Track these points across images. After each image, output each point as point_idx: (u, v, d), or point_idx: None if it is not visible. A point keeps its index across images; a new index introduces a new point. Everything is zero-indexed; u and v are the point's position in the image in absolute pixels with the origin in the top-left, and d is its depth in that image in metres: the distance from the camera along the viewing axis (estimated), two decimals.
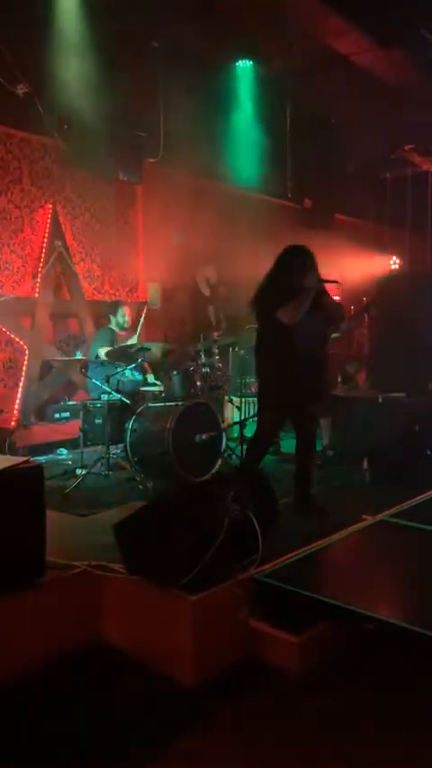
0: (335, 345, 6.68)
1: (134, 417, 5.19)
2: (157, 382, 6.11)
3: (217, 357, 6.24)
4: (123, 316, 6.29)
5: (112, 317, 6.33)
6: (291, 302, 4.17)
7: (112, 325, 6.31)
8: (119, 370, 5.47)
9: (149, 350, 5.67)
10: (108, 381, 5.35)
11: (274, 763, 2.33)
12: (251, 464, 4.56)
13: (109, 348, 5.86)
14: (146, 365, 6.11)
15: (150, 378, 6.21)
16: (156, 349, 5.88)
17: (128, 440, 5.13)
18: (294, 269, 4.24)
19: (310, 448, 4.52)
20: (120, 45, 6.73)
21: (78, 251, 7.28)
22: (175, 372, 5.47)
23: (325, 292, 4.46)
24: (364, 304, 6.79)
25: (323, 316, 4.40)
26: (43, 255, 6.82)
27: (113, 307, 6.43)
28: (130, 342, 6.08)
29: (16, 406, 6.56)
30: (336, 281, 4.48)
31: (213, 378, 6.01)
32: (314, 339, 4.35)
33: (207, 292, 9.02)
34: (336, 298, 9.51)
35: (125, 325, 6.33)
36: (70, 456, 6.18)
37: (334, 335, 6.28)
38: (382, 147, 10.67)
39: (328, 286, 4.45)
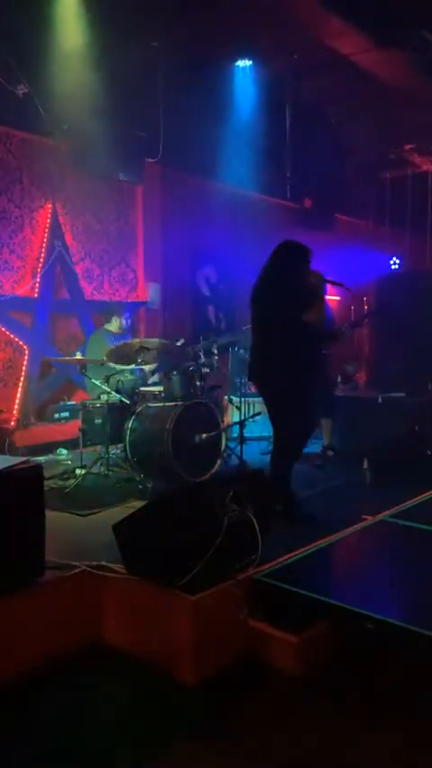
0: (335, 345, 6.67)
1: (134, 417, 5.19)
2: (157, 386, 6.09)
3: (217, 357, 6.24)
4: (118, 325, 6.36)
5: (114, 319, 6.37)
6: (317, 304, 4.19)
7: (109, 327, 6.34)
8: (119, 370, 5.46)
9: (149, 349, 5.67)
10: (108, 381, 5.35)
11: (273, 763, 2.33)
12: (286, 475, 4.34)
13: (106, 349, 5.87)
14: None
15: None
16: (154, 346, 5.87)
17: (128, 440, 5.13)
18: (302, 266, 4.24)
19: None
20: (120, 45, 6.72)
21: (78, 251, 7.28)
22: (174, 372, 5.46)
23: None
24: (364, 313, 6.81)
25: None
26: (43, 255, 6.82)
27: (109, 313, 6.49)
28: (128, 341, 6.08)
29: (16, 406, 6.56)
30: (342, 284, 4.46)
31: (213, 378, 6.01)
32: (316, 339, 4.41)
33: (207, 292, 9.02)
34: (335, 298, 9.54)
35: (126, 329, 6.39)
36: (70, 456, 6.18)
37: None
38: (382, 147, 10.68)
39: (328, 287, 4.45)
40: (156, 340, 5.96)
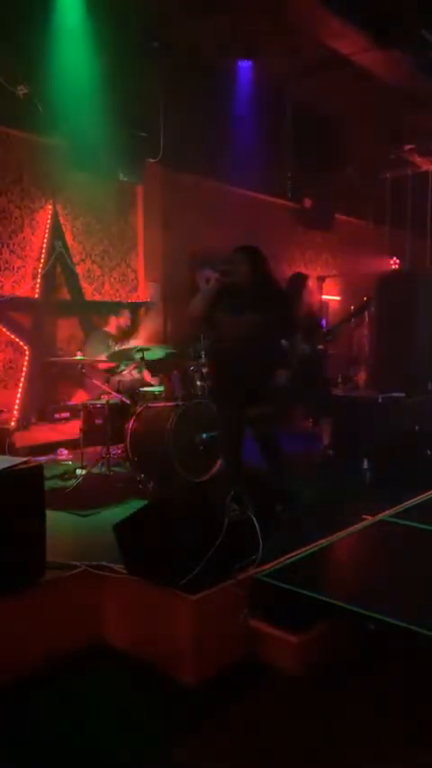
0: (335, 345, 6.69)
1: (134, 417, 5.19)
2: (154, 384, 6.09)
3: None
4: (117, 326, 6.37)
5: (113, 320, 6.38)
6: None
7: (109, 328, 6.35)
8: (119, 370, 5.47)
9: (149, 349, 5.67)
10: (108, 381, 5.35)
11: (273, 763, 2.34)
12: (237, 469, 4.38)
13: (106, 350, 5.87)
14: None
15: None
16: (157, 352, 5.86)
17: (128, 440, 5.13)
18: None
19: (269, 451, 4.42)
20: (120, 45, 6.73)
21: (78, 251, 7.28)
22: (175, 372, 5.46)
23: (279, 295, 4.43)
24: (364, 302, 6.82)
25: (269, 320, 4.20)
26: (43, 255, 6.82)
27: (115, 308, 6.48)
28: (130, 344, 6.09)
29: (16, 407, 6.56)
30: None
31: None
32: (251, 339, 4.16)
33: None
34: (336, 298, 9.53)
35: (125, 329, 6.39)
36: (70, 456, 6.18)
37: (328, 338, 6.31)
38: (382, 147, 10.68)
39: (328, 283, 4.45)
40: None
